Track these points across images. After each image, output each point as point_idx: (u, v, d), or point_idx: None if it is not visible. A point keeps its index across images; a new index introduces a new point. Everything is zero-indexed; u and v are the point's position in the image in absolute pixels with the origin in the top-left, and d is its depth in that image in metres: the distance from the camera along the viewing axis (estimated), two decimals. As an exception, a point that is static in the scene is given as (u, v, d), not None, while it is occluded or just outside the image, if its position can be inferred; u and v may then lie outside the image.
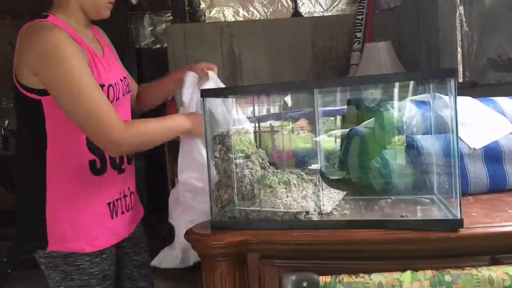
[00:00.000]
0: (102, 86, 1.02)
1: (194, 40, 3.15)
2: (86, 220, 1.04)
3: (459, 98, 1.12)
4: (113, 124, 0.95)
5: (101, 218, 1.06)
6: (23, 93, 1.01)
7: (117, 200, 1.09)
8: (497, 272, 0.72)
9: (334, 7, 3.54)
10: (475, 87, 2.27)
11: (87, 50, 1.03)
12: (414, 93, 1.09)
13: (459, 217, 0.78)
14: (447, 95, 0.85)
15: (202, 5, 3.59)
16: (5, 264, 2.69)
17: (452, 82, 0.79)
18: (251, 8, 3.56)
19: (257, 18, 3.53)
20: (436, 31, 2.47)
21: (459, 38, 2.37)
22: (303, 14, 3.52)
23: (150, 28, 4.83)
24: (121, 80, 1.10)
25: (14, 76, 1.03)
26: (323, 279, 0.75)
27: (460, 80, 2.37)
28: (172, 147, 3.12)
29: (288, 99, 0.94)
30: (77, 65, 0.95)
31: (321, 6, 3.55)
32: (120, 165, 1.10)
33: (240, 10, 3.56)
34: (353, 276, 0.75)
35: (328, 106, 1.15)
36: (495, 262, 0.77)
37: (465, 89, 2.31)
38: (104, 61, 1.07)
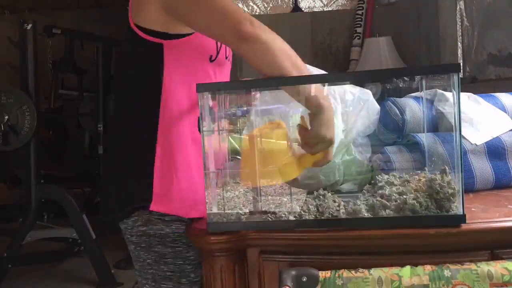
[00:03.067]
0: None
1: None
2: (194, 182, 0.96)
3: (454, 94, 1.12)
4: (246, 19, 0.84)
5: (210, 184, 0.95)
6: (142, 37, 0.94)
7: (219, 170, 0.98)
8: (496, 267, 0.73)
9: (334, 2, 3.52)
10: (475, 82, 2.26)
11: None
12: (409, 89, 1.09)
13: (461, 213, 0.78)
14: (446, 90, 0.85)
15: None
16: (6, 259, 2.70)
17: (456, 78, 0.78)
18: (251, 3, 3.55)
19: (257, 13, 3.52)
20: (436, 26, 2.46)
21: (459, 33, 2.36)
22: (303, 9, 3.51)
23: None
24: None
25: (130, 19, 0.97)
26: (322, 274, 0.75)
27: (461, 75, 2.37)
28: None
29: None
30: None
31: (321, 1, 3.54)
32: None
33: (240, 5, 3.54)
34: (353, 271, 0.75)
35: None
36: (494, 257, 0.77)
37: (465, 84, 2.31)
38: None
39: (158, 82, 0.96)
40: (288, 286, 0.71)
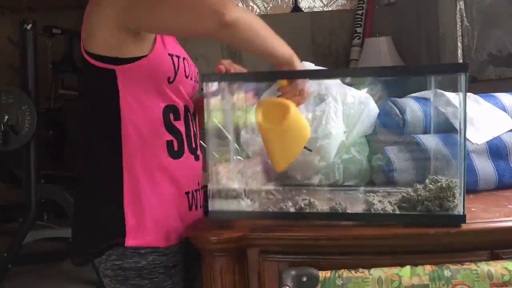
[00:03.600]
0: (171, 55, 0.95)
1: (193, 35, 3.13)
2: (167, 210, 0.94)
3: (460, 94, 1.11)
4: (220, 5, 0.83)
5: (179, 209, 0.96)
6: (94, 64, 0.92)
7: (195, 191, 0.99)
8: (496, 267, 0.73)
9: (334, 2, 3.52)
10: (475, 82, 2.26)
11: None
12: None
13: (462, 213, 0.78)
14: (448, 90, 0.85)
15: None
16: (6, 259, 2.69)
17: (463, 78, 0.77)
18: (251, 3, 3.54)
19: (256, 13, 3.52)
20: (436, 26, 2.46)
21: (459, 33, 2.36)
22: (303, 9, 3.51)
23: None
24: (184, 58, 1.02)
25: (82, 48, 0.95)
26: (322, 274, 0.75)
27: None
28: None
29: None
30: None
31: (321, 1, 3.54)
32: (196, 151, 1.00)
33: (240, 5, 3.54)
34: (353, 271, 0.75)
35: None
36: (494, 257, 0.77)
37: (465, 84, 2.31)
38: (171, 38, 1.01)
39: (115, 111, 0.92)
40: (288, 286, 0.71)
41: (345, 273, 0.75)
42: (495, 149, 1.00)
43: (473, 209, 0.88)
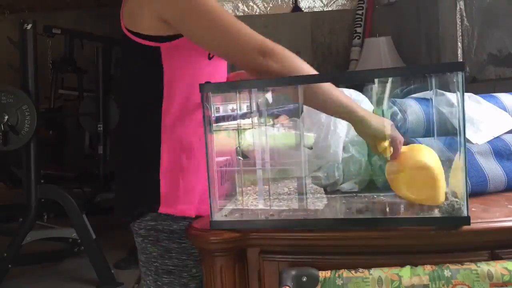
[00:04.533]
0: None
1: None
2: (202, 182, 0.96)
3: (457, 93, 1.11)
4: (255, 45, 0.88)
5: (213, 183, 0.96)
6: (137, 41, 0.95)
7: (224, 165, 1.00)
8: (496, 267, 0.73)
9: (334, 2, 3.52)
10: (475, 82, 2.26)
11: None
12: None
13: (466, 215, 0.78)
14: (449, 91, 0.85)
15: None
16: (6, 259, 2.70)
17: (460, 77, 0.77)
18: (251, 3, 3.55)
19: (257, 13, 3.52)
20: (437, 26, 2.46)
21: (459, 33, 2.36)
22: (303, 9, 3.52)
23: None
24: None
25: (123, 26, 0.98)
26: (322, 274, 0.75)
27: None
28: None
29: (269, 96, 0.93)
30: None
31: (321, 1, 3.54)
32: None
33: (240, 5, 3.55)
34: (353, 271, 0.75)
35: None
36: (494, 257, 0.77)
37: (465, 84, 2.31)
38: None
39: (158, 84, 0.96)
40: (288, 286, 0.71)
41: (345, 273, 0.75)
42: (498, 150, 1.00)
43: (473, 209, 0.88)
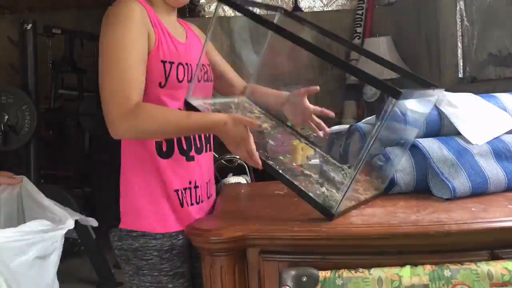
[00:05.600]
0: (164, 62, 1.00)
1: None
2: (157, 201, 1.02)
3: (461, 94, 1.11)
4: (118, 106, 0.93)
5: (171, 203, 1.03)
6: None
7: (185, 189, 1.04)
8: (496, 267, 0.73)
9: (334, 2, 3.52)
10: (475, 82, 2.26)
11: (158, 27, 1.01)
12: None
13: (333, 212, 0.84)
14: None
15: (202, 0, 3.57)
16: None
17: (392, 103, 0.75)
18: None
19: (257, 13, 3.52)
20: (436, 26, 2.46)
21: (459, 33, 2.36)
22: (303, 9, 3.51)
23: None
24: (197, 65, 1.07)
25: None
26: (322, 274, 0.75)
27: (461, 75, 2.37)
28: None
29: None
30: (128, 34, 0.94)
31: (321, 1, 3.54)
32: (188, 152, 1.05)
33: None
34: (353, 271, 0.75)
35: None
36: (494, 257, 0.77)
37: (465, 84, 2.30)
38: (181, 45, 1.06)
39: None
40: (288, 286, 0.71)
41: (345, 273, 0.75)
42: (498, 151, 1.00)
43: (473, 209, 0.88)
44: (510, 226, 0.79)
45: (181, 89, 1.04)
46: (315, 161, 1.10)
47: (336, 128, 1.39)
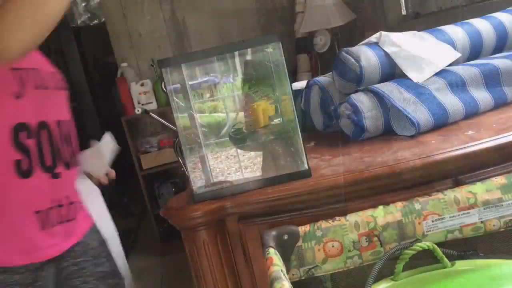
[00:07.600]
0: (16, 69, 0.89)
1: (132, 10, 3.01)
2: (10, 230, 0.91)
3: (403, 34, 1.13)
4: None
5: (28, 229, 0.93)
6: None
7: (49, 209, 0.95)
8: (461, 193, 0.77)
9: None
10: (419, 18, 2.30)
11: None
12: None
13: (306, 168, 0.86)
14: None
15: None
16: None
17: (279, 46, 0.84)
18: None
19: None
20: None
21: (398, -30, 2.37)
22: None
23: (83, 4, 4.57)
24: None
25: None
26: (302, 229, 0.78)
27: (404, 12, 2.40)
28: (132, 124, 3.05)
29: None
30: None
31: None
32: (53, 168, 0.96)
33: None
34: (330, 221, 0.78)
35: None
36: (458, 183, 0.82)
37: (409, 21, 2.34)
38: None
39: None
40: (272, 247, 0.73)
41: (323, 224, 0.78)
42: (452, 83, 1.03)
43: (433, 141, 0.91)
44: (469, 152, 0.82)
45: (38, 98, 0.94)
46: (278, 120, 1.10)
47: (298, 85, 1.40)
